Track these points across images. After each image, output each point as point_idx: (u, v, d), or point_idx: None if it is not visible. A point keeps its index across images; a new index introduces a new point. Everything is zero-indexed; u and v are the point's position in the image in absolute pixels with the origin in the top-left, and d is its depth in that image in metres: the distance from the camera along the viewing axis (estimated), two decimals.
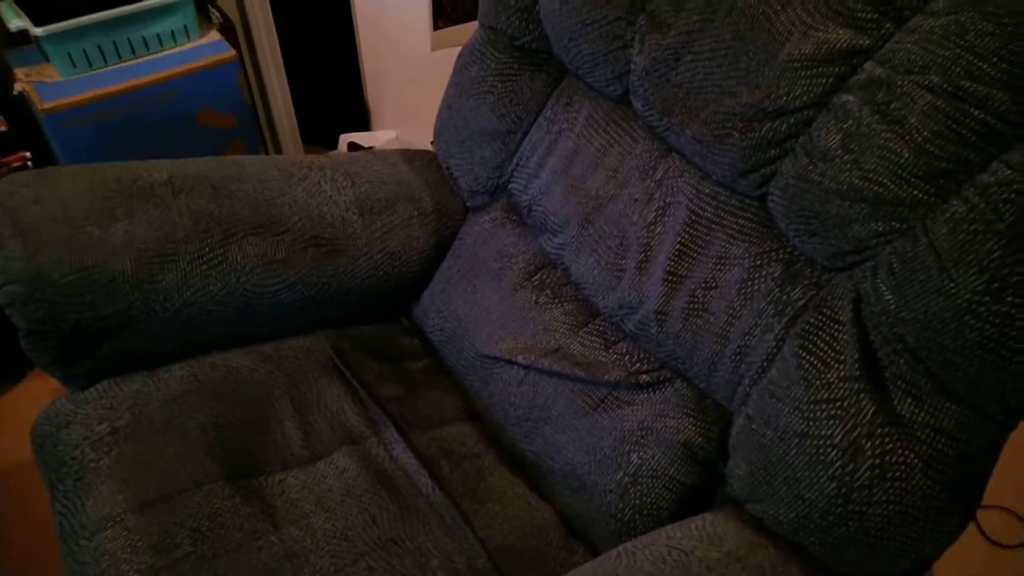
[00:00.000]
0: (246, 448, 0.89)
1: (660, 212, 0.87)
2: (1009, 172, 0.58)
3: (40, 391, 1.46)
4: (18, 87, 1.25)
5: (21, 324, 0.87)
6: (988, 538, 1.33)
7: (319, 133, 1.87)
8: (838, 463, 0.66)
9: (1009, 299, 0.58)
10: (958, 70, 0.60)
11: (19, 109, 1.33)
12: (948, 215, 0.61)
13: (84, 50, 1.23)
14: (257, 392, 0.95)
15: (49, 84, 1.24)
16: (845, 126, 0.67)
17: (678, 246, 0.84)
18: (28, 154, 1.31)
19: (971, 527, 1.33)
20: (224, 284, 0.95)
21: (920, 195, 0.63)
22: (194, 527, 0.79)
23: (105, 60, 1.26)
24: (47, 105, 1.21)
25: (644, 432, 0.85)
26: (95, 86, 1.22)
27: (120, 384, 0.92)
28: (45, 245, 0.87)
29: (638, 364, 0.89)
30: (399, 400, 1.01)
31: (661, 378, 0.87)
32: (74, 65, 1.24)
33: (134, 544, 0.77)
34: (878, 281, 0.66)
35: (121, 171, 0.95)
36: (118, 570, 0.75)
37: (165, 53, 1.29)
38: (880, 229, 0.65)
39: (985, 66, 0.59)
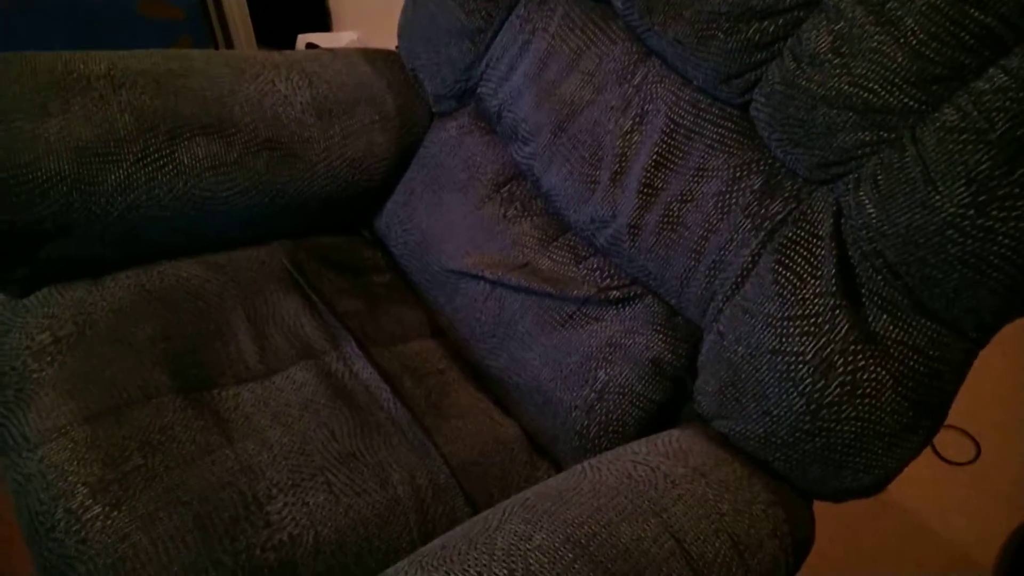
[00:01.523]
0: (198, 361, 0.86)
1: (637, 120, 0.83)
2: (1006, 78, 0.55)
3: None
4: None
5: None
6: (940, 456, 1.37)
7: (275, 33, 1.75)
8: (808, 380, 0.65)
9: (994, 213, 0.56)
10: None
11: None
12: (939, 124, 0.58)
13: None
14: (209, 303, 0.91)
15: None
16: (837, 27, 0.63)
17: (655, 156, 0.81)
18: None
19: None
20: (171, 188, 0.89)
21: (911, 103, 0.59)
22: (144, 440, 0.76)
23: None
24: None
25: (612, 348, 0.83)
26: None
27: (62, 292, 0.87)
28: None
29: (608, 280, 0.87)
30: (360, 314, 0.98)
31: (631, 294, 0.85)
32: None
33: (81, 456, 0.73)
34: (861, 194, 0.64)
35: (54, 61, 0.87)
36: (65, 482, 0.72)
37: None
38: (867, 139, 0.62)
39: None
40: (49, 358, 0.81)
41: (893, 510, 1.29)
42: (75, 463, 0.73)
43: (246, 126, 0.92)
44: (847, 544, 1.24)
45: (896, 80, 0.60)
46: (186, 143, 0.89)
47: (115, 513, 0.70)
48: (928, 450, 1.36)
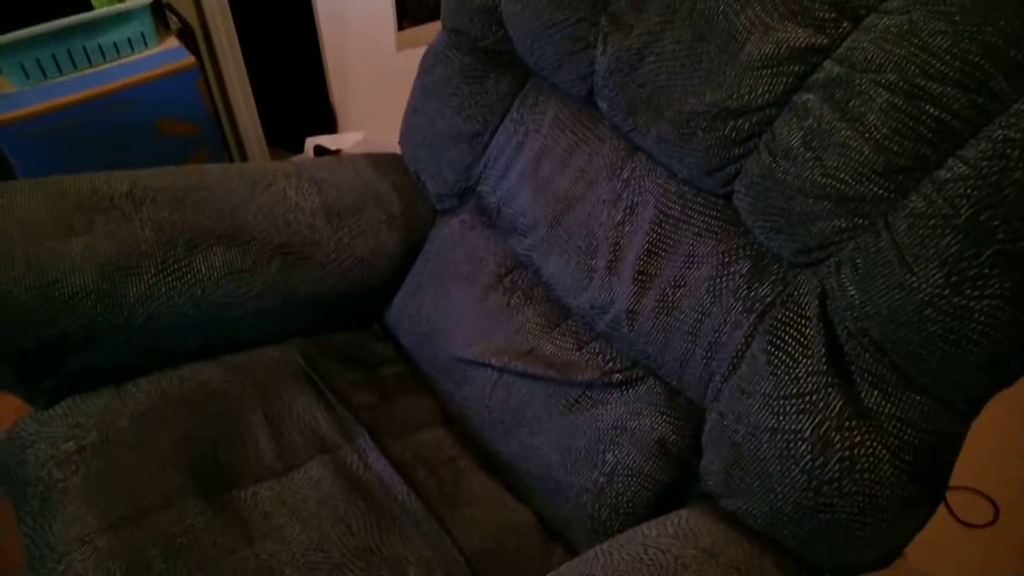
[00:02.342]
0: (217, 462, 0.88)
1: (628, 211, 0.88)
2: (964, 168, 0.59)
3: (4, 410, 1.43)
4: None
5: None
6: (958, 518, 1.36)
7: (285, 136, 1.84)
8: (808, 456, 0.67)
9: (967, 292, 0.59)
10: (913, 68, 0.61)
11: None
12: (908, 211, 0.62)
13: (38, 60, 1.20)
14: (227, 404, 0.94)
15: (2, 96, 1.21)
16: (806, 124, 0.68)
17: (647, 245, 0.85)
18: None
19: (942, 509, 1.36)
20: (190, 296, 0.93)
21: (880, 191, 0.64)
22: (166, 545, 0.78)
23: (60, 70, 1.23)
24: (1, 117, 1.18)
25: (618, 431, 0.85)
26: (50, 96, 1.19)
27: (86, 400, 0.90)
28: (2, 262, 0.84)
29: (611, 363, 0.90)
30: (372, 407, 1.00)
31: (634, 376, 0.87)
32: (28, 76, 1.21)
33: (105, 565, 0.75)
34: (842, 276, 0.67)
35: (80, 183, 0.93)
36: None
37: (122, 61, 1.26)
38: (843, 225, 0.66)
39: (939, 64, 0.60)
40: (74, 467, 0.84)
41: (912, 575, 1.28)
42: (99, 572, 0.75)
43: (260, 234, 0.98)
44: None
45: (865, 171, 0.64)
46: (204, 253, 0.94)
47: None
48: (945, 512, 1.35)
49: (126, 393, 0.92)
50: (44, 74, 1.21)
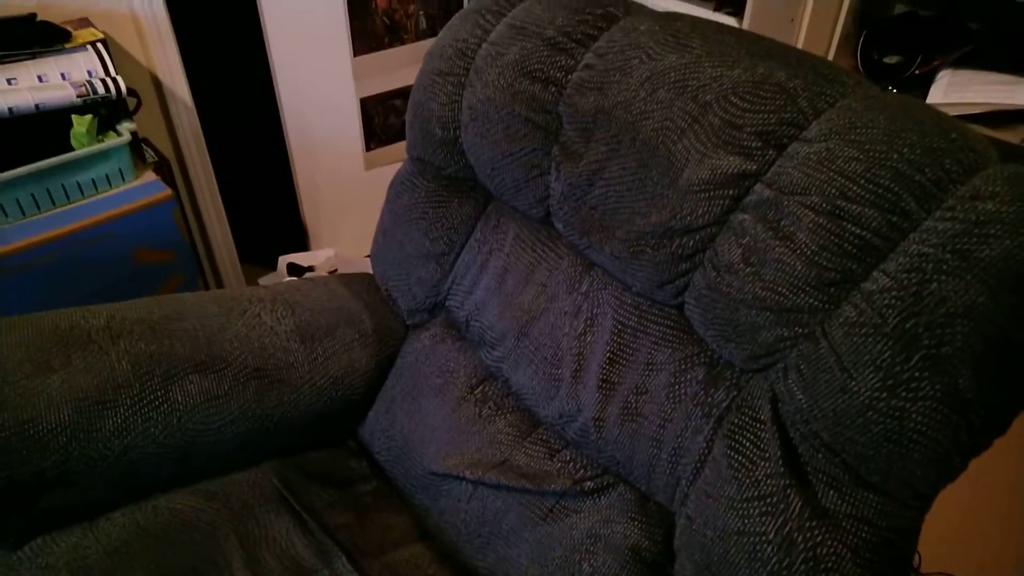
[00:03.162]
0: None
1: (589, 323, 0.92)
2: (887, 280, 0.65)
3: None
4: None
5: None
6: None
7: (258, 255, 1.89)
8: (775, 558, 0.69)
9: (903, 394, 0.64)
10: (833, 191, 0.68)
11: None
12: (842, 320, 0.67)
13: (17, 200, 1.24)
14: (202, 534, 0.93)
15: None
16: (744, 241, 0.74)
17: (608, 354, 0.89)
18: None
19: None
20: (165, 426, 0.94)
21: (815, 303, 0.69)
22: None
23: (39, 207, 1.27)
24: None
25: (593, 540, 0.86)
26: (29, 233, 1.23)
27: (56, 539, 0.90)
28: None
29: (582, 471, 0.92)
30: (349, 527, 1.00)
31: (605, 483, 0.90)
32: (7, 215, 1.25)
33: None
34: (789, 381, 0.72)
35: (58, 319, 0.96)
36: None
37: (101, 196, 1.31)
38: (784, 334, 0.71)
39: (855, 187, 0.67)
40: None
41: None
42: None
43: (235, 359, 1.00)
44: None
45: (799, 284, 0.70)
46: (180, 382, 0.96)
47: None
48: None
49: (99, 528, 0.91)
50: (23, 212, 1.25)
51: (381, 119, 1.85)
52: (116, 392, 0.92)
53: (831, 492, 0.69)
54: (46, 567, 0.86)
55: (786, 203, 0.71)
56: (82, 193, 1.30)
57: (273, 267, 1.83)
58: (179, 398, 0.95)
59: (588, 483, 0.90)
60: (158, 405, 0.94)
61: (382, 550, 0.99)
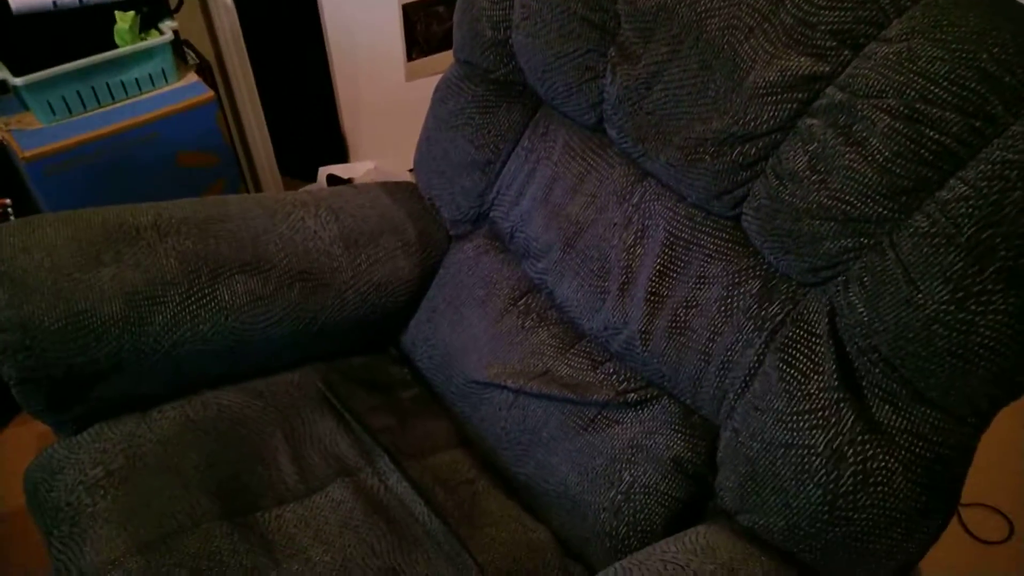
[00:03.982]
0: (241, 485, 0.90)
1: (639, 235, 0.90)
2: (965, 188, 0.61)
3: (26, 438, 1.45)
4: None
5: (12, 373, 0.87)
6: (973, 536, 1.36)
7: (298, 166, 1.88)
8: (822, 471, 0.69)
9: (972, 307, 0.61)
10: (912, 94, 0.64)
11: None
12: (912, 230, 0.64)
13: (63, 97, 1.24)
14: (249, 429, 0.96)
15: (29, 132, 1.25)
16: (811, 148, 0.71)
17: (658, 267, 0.87)
18: (8, 202, 1.31)
19: (957, 527, 1.37)
20: (213, 323, 0.96)
21: (885, 212, 0.66)
22: (194, 567, 0.79)
23: (84, 106, 1.27)
24: (28, 153, 1.22)
25: (634, 450, 0.87)
26: (75, 132, 1.23)
27: (112, 427, 0.93)
28: (33, 293, 0.87)
29: (625, 383, 0.91)
30: (391, 430, 1.02)
31: (648, 396, 0.89)
32: (53, 112, 1.25)
33: None
34: (850, 294, 0.69)
35: (106, 215, 0.96)
36: None
37: (144, 97, 1.31)
38: (849, 245, 0.69)
39: (936, 90, 0.63)
40: (102, 491, 0.86)
41: None
42: None
43: (280, 262, 1.01)
44: None
45: (869, 193, 0.66)
46: (226, 281, 0.97)
47: None
48: (960, 530, 1.36)
49: (151, 419, 0.94)
50: (69, 110, 1.25)
51: (423, 26, 1.79)
52: (165, 288, 0.93)
53: (886, 407, 0.68)
54: (104, 451, 0.89)
55: (860, 107, 0.67)
56: (126, 93, 1.29)
57: (312, 179, 1.82)
58: (226, 297, 0.96)
59: (631, 395, 0.90)
60: (206, 303, 0.95)
61: (422, 453, 1.01)
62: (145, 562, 0.79)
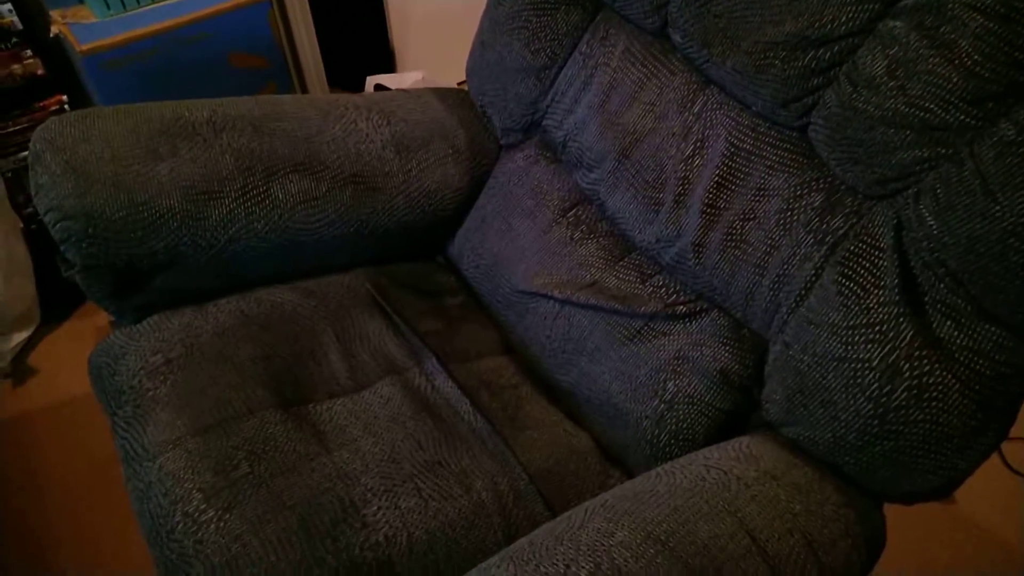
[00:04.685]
0: (294, 378, 0.93)
1: (698, 145, 0.88)
2: None
3: (85, 330, 1.51)
4: (54, 29, 1.26)
5: (76, 260, 0.90)
6: (1011, 468, 1.36)
7: (345, 76, 1.86)
8: (875, 385, 0.68)
9: None
10: None
11: (55, 52, 1.34)
12: (996, 139, 0.61)
13: None
14: (301, 326, 0.98)
15: (85, 26, 1.25)
16: (891, 52, 0.67)
17: (716, 178, 0.85)
18: (64, 98, 1.32)
19: (996, 459, 1.36)
20: (267, 221, 0.97)
21: (967, 119, 0.63)
22: (250, 450, 0.83)
23: (138, 2, 1.26)
24: (85, 47, 1.22)
25: (680, 361, 0.87)
26: (129, 28, 1.23)
27: (171, 318, 0.96)
28: (95, 183, 0.89)
29: (674, 296, 0.91)
30: (438, 334, 1.04)
31: (698, 309, 0.89)
32: (108, 7, 1.24)
33: (195, 464, 0.81)
34: (921, 207, 0.67)
35: (163, 110, 0.97)
36: (182, 488, 0.79)
37: None
38: (924, 155, 0.66)
39: None
40: (162, 377, 0.89)
41: (964, 523, 1.28)
42: (190, 471, 0.81)
43: (333, 163, 1.01)
44: (917, 555, 1.23)
45: (952, 99, 0.63)
46: (280, 180, 0.97)
47: (227, 516, 0.76)
48: (999, 462, 1.35)
49: (207, 312, 0.97)
50: (123, 5, 1.25)
51: None
52: (221, 184, 0.94)
53: (948, 323, 0.66)
54: (163, 340, 0.92)
55: (950, 6, 0.63)
56: None
57: (359, 90, 1.80)
58: (280, 196, 0.97)
59: (680, 307, 0.90)
60: (260, 200, 0.96)
61: (468, 358, 1.03)
62: (204, 443, 0.83)
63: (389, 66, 1.87)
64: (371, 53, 1.85)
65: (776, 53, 0.76)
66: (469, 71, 1.14)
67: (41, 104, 1.33)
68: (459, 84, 1.37)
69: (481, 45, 1.11)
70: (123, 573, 1.17)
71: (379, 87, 1.69)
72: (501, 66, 1.07)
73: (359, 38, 1.86)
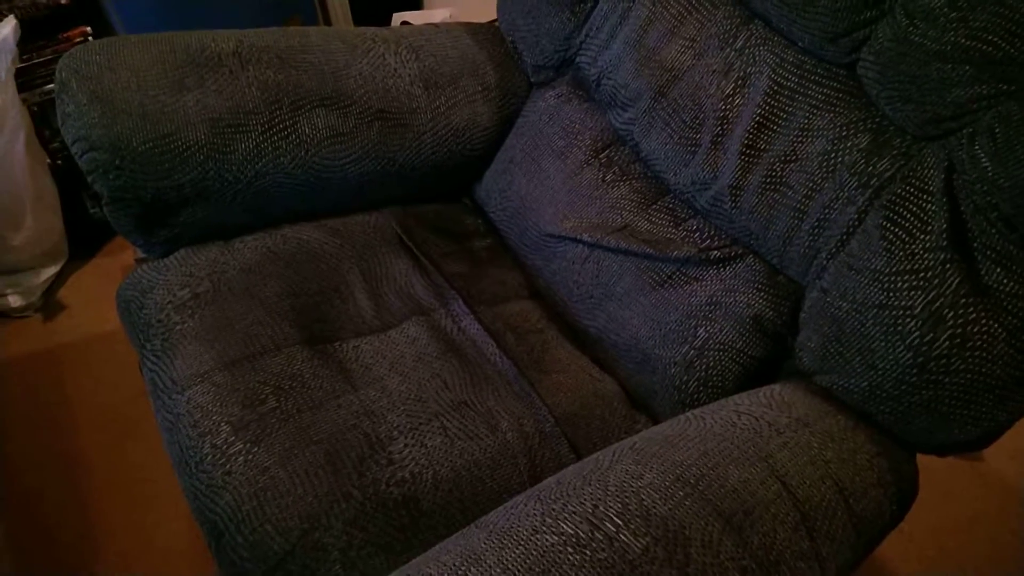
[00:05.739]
0: (321, 316, 0.92)
1: (739, 83, 0.84)
2: None
3: (112, 266, 1.52)
4: None
5: (104, 191, 0.89)
6: None
7: (371, 11, 1.82)
8: (916, 333, 0.66)
9: None
10: None
11: None
12: None
13: None
14: (328, 264, 0.97)
15: None
16: None
17: (757, 118, 0.82)
18: (88, 29, 1.30)
19: None
20: (294, 156, 0.95)
21: None
22: (277, 385, 0.83)
23: None
24: None
25: (712, 307, 0.85)
26: None
27: (198, 252, 0.95)
28: (121, 113, 0.88)
29: (708, 240, 0.89)
30: (464, 276, 1.03)
31: (732, 254, 0.87)
32: None
33: (223, 398, 0.81)
34: (976, 148, 0.64)
35: (189, 40, 0.95)
36: (210, 421, 0.80)
37: None
38: (984, 92, 0.62)
39: None
40: (190, 311, 0.89)
41: (992, 478, 1.27)
42: (218, 404, 0.81)
43: (360, 98, 0.98)
44: (944, 510, 1.23)
45: (1019, 31, 0.60)
46: (307, 115, 0.95)
47: (255, 449, 0.77)
48: None
49: (234, 248, 0.96)
50: None
51: None
52: (247, 117, 0.93)
53: (997, 270, 0.64)
54: (190, 275, 0.92)
55: None
56: None
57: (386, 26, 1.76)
58: (306, 130, 0.95)
59: (714, 252, 0.88)
60: (287, 135, 0.94)
61: (494, 301, 1.02)
62: (231, 377, 0.83)
63: (417, 2, 1.82)
64: None
65: None
66: (500, 4, 1.10)
67: (65, 35, 1.31)
68: (488, 23, 1.33)
69: None
70: (154, 500, 1.20)
71: (405, 24, 1.65)
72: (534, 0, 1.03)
73: None
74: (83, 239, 1.54)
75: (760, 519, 0.60)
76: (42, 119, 1.38)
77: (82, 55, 0.89)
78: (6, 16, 1.25)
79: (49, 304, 1.48)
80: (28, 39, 1.29)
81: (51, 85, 1.34)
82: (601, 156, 1.00)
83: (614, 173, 0.98)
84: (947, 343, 0.65)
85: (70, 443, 1.28)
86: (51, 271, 1.48)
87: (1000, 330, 0.63)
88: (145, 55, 0.92)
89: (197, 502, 0.77)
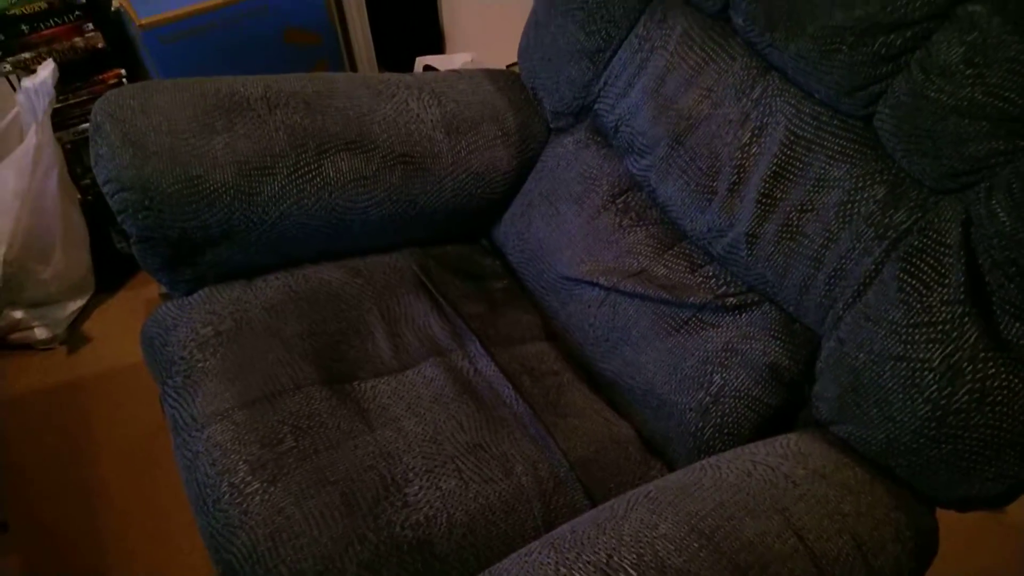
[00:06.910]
0: (340, 355, 0.94)
1: (756, 133, 0.85)
2: None
3: (136, 301, 1.55)
4: (115, 3, 1.28)
5: (133, 231, 0.91)
6: None
7: (395, 56, 1.86)
8: (935, 386, 0.66)
9: None
10: None
11: (114, 26, 1.36)
12: None
13: None
14: (348, 304, 0.99)
15: (144, 0, 1.27)
16: (970, 38, 0.64)
17: (774, 168, 0.83)
18: (123, 71, 1.35)
19: None
20: (318, 198, 0.97)
21: None
22: (295, 424, 0.84)
23: None
24: (144, 21, 1.24)
25: (729, 353, 0.85)
26: (188, 2, 1.24)
27: (221, 291, 0.97)
28: (152, 155, 0.90)
29: (725, 287, 0.89)
30: (481, 317, 1.04)
31: (748, 301, 0.87)
32: None
33: (242, 436, 0.82)
34: (993, 203, 0.64)
35: (219, 85, 0.98)
36: (228, 460, 0.80)
37: None
38: (1001, 147, 0.63)
39: None
40: (212, 349, 0.91)
41: (1014, 531, 1.24)
42: (236, 443, 0.82)
43: (383, 142, 1.01)
44: (965, 563, 1.20)
45: None
46: (332, 158, 0.98)
47: (272, 488, 0.77)
48: None
49: (256, 287, 0.98)
50: None
51: None
52: (274, 160, 0.95)
53: (1017, 324, 0.64)
54: (213, 313, 0.94)
55: None
56: None
57: (409, 71, 1.80)
58: (331, 173, 0.98)
59: (730, 299, 0.88)
60: (312, 178, 0.97)
61: (511, 342, 1.02)
62: (250, 416, 0.84)
63: (439, 47, 1.86)
64: (421, 34, 1.85)
65: (844, 38, 0.74)
66: (521, 52, 1.13)
67: (100, 77, 1.36)
68: (508, 65, 1.36)
69: (535, 25, 1.09)
70: (170, 535, 1.21)
71: (428, 68, 1.69)
72: (554, 48, 1.06)
73: (409, 18, 1.85)
74: (109, 272, 1.57)
75: (777, 575, 0.59)
76: (75, 156, 1.42)
77: (117, 99, 0.93)
78: (45, 60, 1.29)
79: (74, 336, 1.50)
80: (65, 80, 1.33)
81: (85, 124, 1.38)
82: (618, 201, 1.01)
83: (631, 218, 0.99)
84: (966, 397, 0.64)
85: (90, 474, 1.29)
86: (77, 304, 1.51)
87: (1020, 385, 0.63)
88: (176, 99, 0.95)
89: (213, 541, 0.77)
